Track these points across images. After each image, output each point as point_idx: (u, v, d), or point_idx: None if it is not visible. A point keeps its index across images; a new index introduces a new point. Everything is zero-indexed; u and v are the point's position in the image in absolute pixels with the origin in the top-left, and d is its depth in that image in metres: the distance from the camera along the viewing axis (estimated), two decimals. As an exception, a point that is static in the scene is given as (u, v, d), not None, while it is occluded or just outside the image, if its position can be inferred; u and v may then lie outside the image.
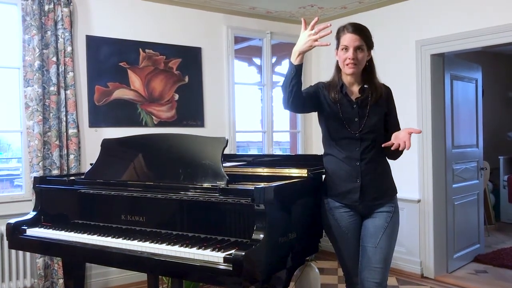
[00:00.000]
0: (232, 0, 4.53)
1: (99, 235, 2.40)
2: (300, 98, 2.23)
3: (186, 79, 4.57)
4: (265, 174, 2.53)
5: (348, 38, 2.25)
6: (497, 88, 7.13)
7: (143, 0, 4.33)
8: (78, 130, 3.90)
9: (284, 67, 5.50)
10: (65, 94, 3.83)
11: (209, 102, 4.72)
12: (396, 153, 2.28)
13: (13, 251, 3.64)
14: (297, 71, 2.16)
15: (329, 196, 2.38)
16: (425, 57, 4.30)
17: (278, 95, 4.99)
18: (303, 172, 2.38)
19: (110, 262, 2.49)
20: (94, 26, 4.08)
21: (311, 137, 5.43)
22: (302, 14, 5.00)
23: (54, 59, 3.76)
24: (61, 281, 3.74)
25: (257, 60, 5.43)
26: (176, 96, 4.50)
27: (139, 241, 2.24)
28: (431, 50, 4.26)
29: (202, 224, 2.20)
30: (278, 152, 5.62)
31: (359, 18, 4.48)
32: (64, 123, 3.81)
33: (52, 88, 3.76)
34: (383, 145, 2.24)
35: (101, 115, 4.10)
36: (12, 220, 2.70)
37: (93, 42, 4.06)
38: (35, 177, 2.88)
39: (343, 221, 2.34)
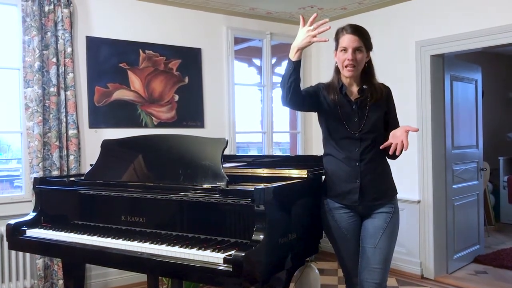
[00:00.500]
0: (232, 1, 4.53)
1: (99, 236, 2.40)
2: (299, 94, 2.24)
3: (186, 80, 4.57)
4: (265, 175, 2.54)
5: (347, 39, 2.26)
6: (497, 89, 7.13)
7: (143, 1, 4.33)
8: (78, 131, 3.90)
9: (284, 68, 5.49)
10: (65, 95, 3.83)
11: (209, 103, 4.72)
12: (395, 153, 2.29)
13: (13, 252, 3.63)
14: (295, 67, 2.17)
15: (328, 197, 2.38)
16: (425, 57, 4.30)
17: (278, 95, 4.98)
18: (303, 173, 2.38)
19: (110, 263, 2.49)
20: (94, 27, 4.09)
21: (311, 138, 5.43)
22: (302, 14, 4.99)
23: (54, 60, 3.76)
24: (61, 282, 3.74)
25: (257, 61, 5.44)
26: (176, 97, 4.50)
27: (139, 242, 2.24)
28: (431, 51, 4.26)
29: (202, 225, 2.20)
30: (278, 153, 5.62)
31: (359, 19, 4.49)
32: (64, 124, 3.82)
33: (52, 89, 3.76)
34: (381, 147, 2.24)
35: (101, 116, 4.10)
36: (12, 221, 2.70)
37: (93, 43, 4.07)
38: (35, 178, 2.89)
39: (343, 222, 2.34)
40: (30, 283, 3.74)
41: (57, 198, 2.78)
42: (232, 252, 1.92)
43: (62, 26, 3.80)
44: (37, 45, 3.68)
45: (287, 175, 2.42)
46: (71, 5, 3.89)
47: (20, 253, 3.66)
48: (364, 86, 2.33)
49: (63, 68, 3.81)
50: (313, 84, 2.49)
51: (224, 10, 4.77)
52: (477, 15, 3.92)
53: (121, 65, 4.20)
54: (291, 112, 5.57)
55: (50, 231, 2.59)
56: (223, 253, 1.97)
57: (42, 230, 2.63)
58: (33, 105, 3.68)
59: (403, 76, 4.41)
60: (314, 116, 2.59)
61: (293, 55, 2.16)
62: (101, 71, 4.10)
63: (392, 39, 4.54)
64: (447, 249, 4.41)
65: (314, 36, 2.10)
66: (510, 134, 7.06)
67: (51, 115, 3.77)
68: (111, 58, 4.16)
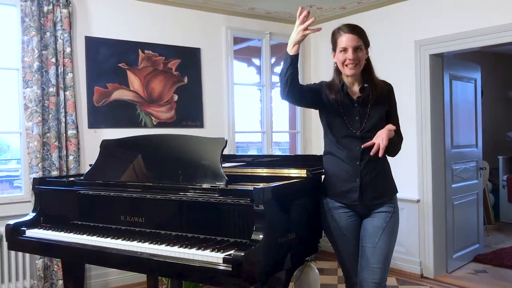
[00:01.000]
0: (231, 0, 4.53)
1: (98, 236, 2.40)
2: (297, 88, 2.24)
3: (186, 79, 4.57)
4: (265, 174, 2.54)
5: (346, 39, 2.25)
6: (496, 88, 7.14)
7: (142, 1, 4.33)
8: (78, 131, 3.90)
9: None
10: (64, 95, 3.83)
11: (209, 103, 4.72)
12: (391, 149, 2.29)
13: (13, 252, 3.63)
14: (292, 61, 2.18)
15: (328, 196, 2.38)
16: (424, 57, 4.30)
17: (277, 95, 4.99)
18: (302, 173, 2.38)
19: (110, 263, 2.48)
20: (93, 27, 4.08)
21: (311, 138, 5.43)
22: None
23: (53, 60, 3.76)
24: (60, 282, 3.74)
25: (256, 61, 5.44)
26: (176, 97, 4.50)
27: (139, 242, 2.24)
28: (430, 50, 4.27)
29: (201, 225, 2.20)
30: (277, 152, 5.62)
31: (358, 19, 4.49)
32: (63, 124, 3.81)
33: (51, 89, 3.76)
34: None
35: (100, 116, 4.10)
36: (12, 221, 2.70)
37: (92, 43, 4.06)
38: (34, 178, 2.88)
39: (342, 222, 2.34)
40: (29, 284, 3.74)
41: (57, 199, 2.78)
42: (232, 252, 1.93)
43: (61, 26, 3.80)
44: (36, 45, 3.68)
45: (287, 175, 2.42)
46: (70, 5, 3.88)
47: (20, 254, 3.66)
48: (365, 85, 2.33)
49: (62, 68, 3.81)
50: (316, 82, 2.49)
51: (223, 10, 4.77)
52: (476, 15, 3.92)
53: (120, 65, 4.20)
54: (291, 111, 5.57)
55: (50, 231, 2.58)
56: (222, 253, 1.97)
57: (41, 230, 2.63)
58: (32, 105, 3.68)
59: (403, 75, 4.41)
60: (313, 115, 2.60)
61: (290, 49, 2.17)
62: (100, 71, 4.10)
63: (391, 38, 4.54)
64: (446, 248, 4.42)
65: (306, 29, 2.10)
66: (509, 133, 7.06)
67: (50, 115, 3.77)
68: (110, 58, 4.15)
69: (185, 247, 2.09)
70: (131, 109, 4.26)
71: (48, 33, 3.76)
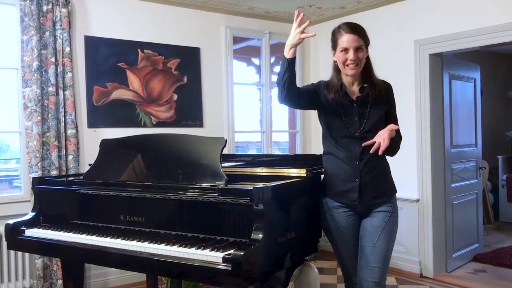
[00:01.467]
0: (231, 0, 4.52)
1: (98, 236, 2.40)
2: (294, 91, 2.24)
3: (185, 79, 4.57)
4: (264, 174, 2.54)
5: (347, 39, 2.24)
6: (495, 88, 7.14)
7: (142, 0, 4.33)
8: (77, 131, 3.90)
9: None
10: (64, 95, 3.82)
11: (208, 102, 4.72)
12: (391, 149, 2.30)
13: (12, 252, 3.63)
14: (289, 64, 2.18)
15: (327, 196, 2.38)
16: (424, 56, 4.31)
17: (276, 95, 4.97)
18: (302, 172, 2.38)
19: (109, 263, 2.48)
20: (92, 27, 4.08)
21: (310, 137, 5.43)
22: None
23: (53, 59, 3.76)
24: (60, 281, 3.73)
25: (255, 60, 5.43)
26: (175, 96, 4.50)
27: (138, 241, 2.24)
28: (430, 50, 4.27)
29: (201, 224, 2.20)
30: (277, 152, 5.62)
31: (357, 18, 4.48)
32: (62, 124, 3.81)
33: (50, 89, 3.76)
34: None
35: (99, 116, 4.10)
36: (11, 221, 2.69)
37: (92, 43, 4.06)
38: (33, 178, 2.88)
39: (342, 221, 2.34)
40: (29, 283, 3.74)
41: (56, 198, 2.78)
42: (231, 251, 1.92)
43: (61, 25, 3.79)
44: (35, 45, 3.67)
45: (286, 174, 2.42)
46: (70, 4, 3.88)
47: (19, 253, 3.66)
48: (365, 85, 2.32)
49: (61, 67, 3.81)
50: (314, 82, 2.48)
51: (223, 9, 4.77)
52: (476, 14, 3.92)
53: (119, 64, 4.20)
54: (290, 111, 5.57)
55: (49, 231, 2.58)
56: (222, 252, 1.97)
57: (41, 230, 2.63)
58: (31, 104, 3.67)
59: (402, 75, 4.41)
60: (313, 115, 2.60)
61: (287, 52, 2.18)
62: (99, 70, 4.10)
63: (391, 38, 4.54)
64: (446, 248, 4.42)
65: (302, 32, 2.12)
66: (509, 132, 7.06)
67: (49, 115, 3.77)
68: (110, 58, 4.15)
69: (184, 247, 2.09)
70: (130, 108, 4.25)
71: (47, 33, 3.75)
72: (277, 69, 5.44)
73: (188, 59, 4.59)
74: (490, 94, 6.82)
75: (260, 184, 2.07)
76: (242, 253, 1.85)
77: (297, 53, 2.26)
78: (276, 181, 2.22)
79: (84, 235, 2.45)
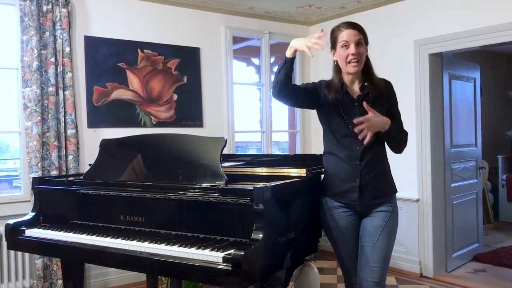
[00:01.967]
0: (231, 0, 4.52)
1: (98, 236, 2.40)
2: (289, 88, 2.25)
3: (185, 79, 4.57)
4: (264, 174, 2.53)
5: (347, 34, 2.25)
6: (495, 87, 7.14)
7: (142, 0, 4.33)
8: (77, 131, 3.90)
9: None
10: (64, 95, 3.82)
11: (208, 102, 4.72)
12: (392, 143, 2.33)
13: (12, 252, 3.63)
14: (286, 62, 2.21)
15: (327, 196, 2.38)
16: (424, 56, 4.31)
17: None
18: (302, 172, 2.38)
19: (109, 263, 2.48)
20: (92, 27, 4.08)
21: (310, 137, 5.43)
22: (300, 14, 5.00)
23: (53, 59, 3.76)
24: (60, 281, 3.73)
25: (255, 60, 5.44)
26: (175, 96, 4.50)
27: (138, 241, 2.24)
28: (430, 50, 4.27)
29: (201, 224, 2.20)
30: (277, 152, 5.62)
31: (357, 18, 4.48)
32: (62, 124, 3.81)
33: (50, 89, 3.76)
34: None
35: (99, 116, 4.10)
36: (11, 221, 2.70)
37: (92, 43, 4.06)
38: (33, 178, 2.88)
39: (342, 221, 2.34)
40: (29, 283, 3.74)
41: (56, 198, 2.78)
42: (231, 251, 1.92)
43: (61, 25, 3.79)
44: (35, 45, 3.67)
45: (286, 174, 2.42)
46: (69, 4, 3.88)
47: (19, 253, 3.66)
48: (365, 83, 2.32)
49: (61, 67, 3.81)
50: (315, 81, 2.48)
51: (222, 9, 4.77)
52: (476, 14, 3.92)
53: (119, 64, 4.20)
54: (290, 111, 5.57)
55: (49, 231, 2.58)
56: (222, 252, 1.97)
57: (41, 230, 2.63)
58: (31, 105, 3.67)
59: (402, 74, 4.41)
60: (313, 115, 2.59)
61: (288, 51, 2.21)
62: (99, 70, 4.10)
63: (391, 38, 4.54)
64: (446, 248, 4.42)
65: (309, 48, 2.14)
66: (508, 132, 7.06)
67: (49, 115, 3.77)
68: (110, 58, 4.15)
69: (184, 247, 2.09)
70: (130, 108, 4.25)
71: (47, 33, 3.75)
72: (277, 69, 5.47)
73: (188, 59, 4.59)
74: (490, 94, 6.82)
75: (260, 184, 2.07)
76: (242, 253, 1.85)
77: (297, 55, 2.27)
78: (276, 181, 2.22)
79: (84, 235, 2.45)
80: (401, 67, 4.46)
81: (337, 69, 2.34)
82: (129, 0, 4.27)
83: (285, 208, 2.18)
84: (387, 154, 2.41)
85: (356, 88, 2.35)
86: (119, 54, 4.19)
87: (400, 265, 4.45)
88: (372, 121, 2.19)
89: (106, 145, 2.82)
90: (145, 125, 4.32)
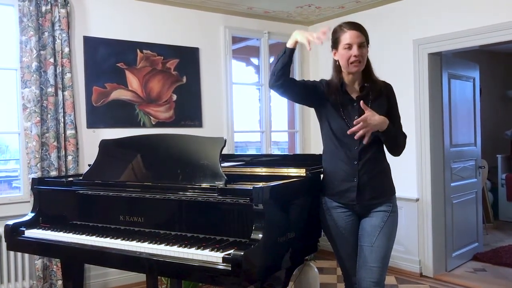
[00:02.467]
0: (230, 0, 4.52)
1: (97, 236, 2.39)
2: (286, 79, 2.26)
3: (184, 79, 4.57)
4: (264, 174, 2.53)
5: (350, 36, 2.25)
6: (495, 87, 7.15)
7: (141, 0, 4.33)
8: (76, 131, 3.90)
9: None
10: (63, 95, 3.82)
11: (207, 103, 4.71)
12: (391, 144, 2.32)
13: (12, 253, 3.63)
14: (286, 52, 2.22)
15: (326, 195, 2.38)
16: (423, 56, 4.31)
17: (276, 95, 4.98)
18: (301, 172, 2.38)
19: (109, 263, 2.48)
20: (91, 27, 4.08)
21: (309, 137, 5.43)
22: (299, 13, 5.00)
23: (52, 60, 3.76)
24: (60, 282, 3.73)
25: (255, 60, 5.44)
26: (174, 97, 4.50)
27: (138, 241, 2.24)
28: (429, 49, 4.27)
29: (200, 224, 2.20)
30: (276, 152, 5.62)
31: (356, 18, 4.48)
32: (62, 124, 3.81)
33: (49, 89, 3.75)
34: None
35: (99, 116, 4.09)
36: (11, 222, 2.69)
37: (91, 43, 4.06)
38: (33, 179, 2.88)
39: (341, 221, 2.34)
40: (29, 284, 3.73)
41: (56, 199, 2.77)
42: (231, 251, 1.92)
43: (59, 26, 3.79)
44: (34, 46, 3.67)
45: (286, 174, 2.42)
46: (68, 5, 3.88)
47: (19, 254, 3.66)
48: (365, 84, 2.33)
49: (60, 68, 3.81)
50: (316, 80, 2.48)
51: (221, 9, 4.76)
52: (475, 13, 3.92)
53: (118, 65, 4.20)
54: (290, 111, 5.57)
55: (49, 232, 2.58)
56: (222, 252, 1.97)
57: (40, 231, 2.63)
58: (30, 105, 3.67)
59: (401, 74, 4.41)
60: (312, 115, 2.59)
61: (289, 43, 2.23)
62: (98, 71, 4.10)
63: (390, 37, 4.55)
64: (445, 247, 4.42)
65: (309, 42, 2.17)
66: (508, 132, 7.07)
67: (49, 116, 3.76)
68: (109, 58, 4.15)
69: (184, 247, 2.09)
70: (129, 109, 4.25)
71: (46, 33, 3.75)
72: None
73: (187, 59, 4.59)
74: (489, 93, 6.82)
75: (260, 184, 2.07)
76: (242, 253, 1.85)
77: (297, 54, 2.28)
78: (275, 181, 2.22)
79: (84, 235, 2.45)
80: (400, 66, 4.46)
81: (337, 68, 2.34)
82: (128, 1, 4.27)
83: (285, 208, 2.18)
84: (387, 154, 2.41)
85: (356, 88, 2.35)
86: (118, 55, 4.19)
87: (400, 264, 4.45)
88: (369, 120, 2.19)
89: (105, 145, 2.82)
90: (144, 125, 4.32)
